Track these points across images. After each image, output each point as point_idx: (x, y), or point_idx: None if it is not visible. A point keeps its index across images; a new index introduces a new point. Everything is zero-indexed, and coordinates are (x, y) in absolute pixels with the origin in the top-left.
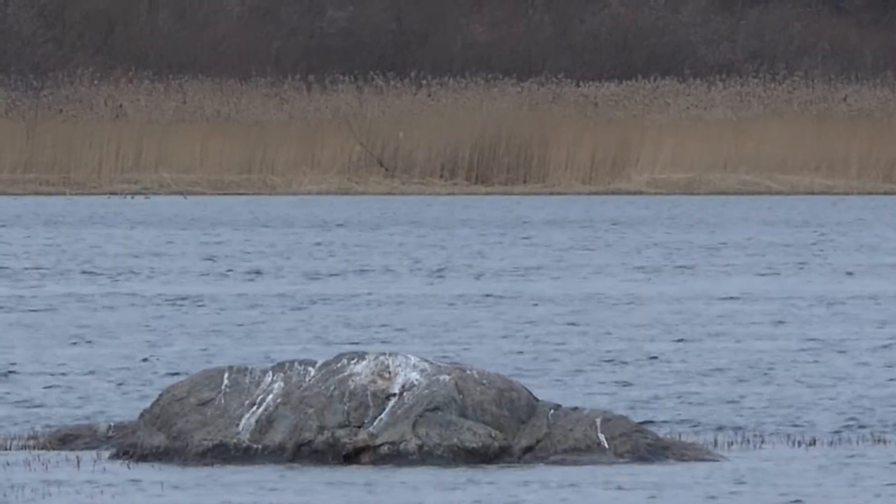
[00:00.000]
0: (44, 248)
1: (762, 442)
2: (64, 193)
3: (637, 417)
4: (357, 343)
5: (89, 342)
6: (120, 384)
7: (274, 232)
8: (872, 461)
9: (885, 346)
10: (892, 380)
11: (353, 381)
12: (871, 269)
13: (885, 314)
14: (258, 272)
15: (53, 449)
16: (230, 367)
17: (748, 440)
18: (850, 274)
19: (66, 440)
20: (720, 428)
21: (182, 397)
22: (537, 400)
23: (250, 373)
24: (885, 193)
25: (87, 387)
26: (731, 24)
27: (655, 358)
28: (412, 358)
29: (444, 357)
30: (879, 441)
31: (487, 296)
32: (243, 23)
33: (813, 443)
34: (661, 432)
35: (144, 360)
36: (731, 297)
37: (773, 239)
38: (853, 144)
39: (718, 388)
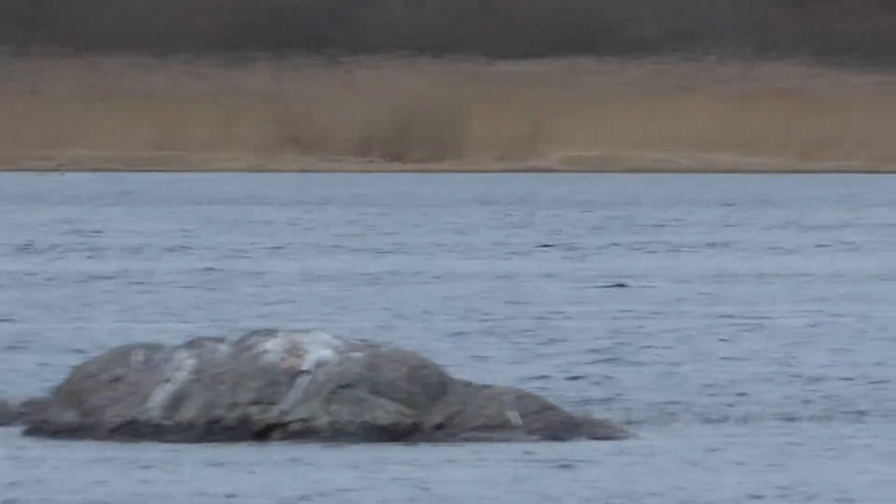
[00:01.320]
0: None
1: (673, 420)
2: None
3: (549, 395)
4: (269, 319)
5: (3, 320)
6: (30, 360)
7: (189, 210)
8: (779, 438)
9: (800, 325)
10: (799, 358)
11: (264, 358)
12: (788, 246)
13: (805, 292)
14: (175, 249)
15: None
16: (142, 345)
17: (659, 418)
18: (767, 251)
19: None
20: (631, 406)
21: (94, 374)
22: (449, 377)
23: (162, 350)
24: (802, 171)
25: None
26: (651, 2)
27: (567, 337)
28: (324, 335)
29: (357, 334)
30: (790, 419)
31: (396, 273)
32: (163, 0)
33: (724, 421)
34: (573, 410)
35: (54, 336)
36: (641, 276)
37: (686, 217)
38: (770, 123)
39: (630, 366)
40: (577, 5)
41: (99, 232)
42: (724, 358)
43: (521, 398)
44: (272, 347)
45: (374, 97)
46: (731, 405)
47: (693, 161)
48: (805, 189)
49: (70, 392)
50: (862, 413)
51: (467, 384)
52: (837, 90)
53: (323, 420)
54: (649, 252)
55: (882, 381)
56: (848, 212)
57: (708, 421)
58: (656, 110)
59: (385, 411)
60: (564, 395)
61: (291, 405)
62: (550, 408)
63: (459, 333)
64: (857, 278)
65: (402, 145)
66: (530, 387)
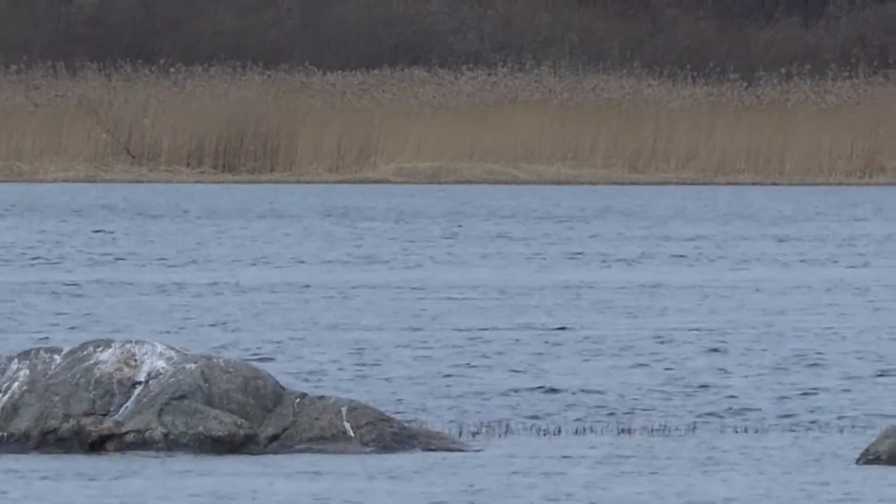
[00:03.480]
0: None
1: (507, 431)
2: None
3: (384, 407)
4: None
5: None
6: None
7: (22, 220)
8: (616, 450)
9: (630, 337)
10: (635, 368)
11: (98, 368)
12: (620, 256)
13: (633, 302)
14: (9, 260)
15: None
16: None
17: (494, 430)
18: (602, 262)
19: None
20: (467, 418)
21: None
22: (283, 388)
23: None
24: (631, 183)
25: None
26: (479, 13)
27: (401, 347)
28: (158, 346)
29: (189, 346)
30: (624, 431)
31: (227, 283)
32: None
33: (558, 432)
34: (408, 422)
35: None
36: (470, 286)
37: (516, 229)
38: (600, 134)
39: (465, 377)
40: (406, 16)
41: None
42: (560, 370)
43: (354, 409)
44: (106, 358)
45: (204, 107)
46: (566, 417)
47: (524, 172)
48: (635, 200)
49: None
50: (694, 424)
51: (302, 395)
52: (667, 101)
53: (157, 431)
54: (479, 265)
55: (704, 388)
56: (680, 223)
57: (543, 433)
58: (487, 122)
59: (219, 422)
60: (399, 406)
61: (125, 416)
62: (384, 419)
63: (291, 344)
64: (693, 288)
65: (233, 156)
66: (365, 398)
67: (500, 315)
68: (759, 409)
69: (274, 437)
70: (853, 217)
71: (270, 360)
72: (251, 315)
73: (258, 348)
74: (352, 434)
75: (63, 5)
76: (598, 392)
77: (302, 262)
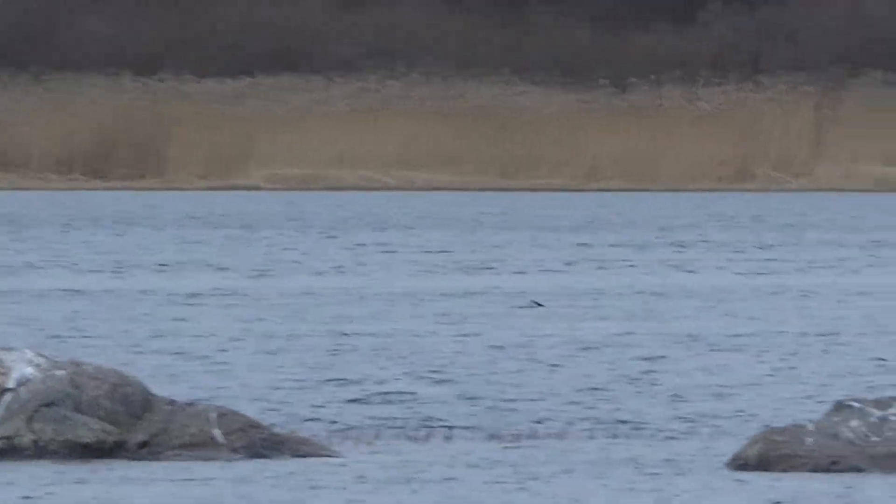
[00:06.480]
0: None
1: (377, 438)
2: None
3: (253, 413)
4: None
5: None
6: None
7: None
8: (486, 456)
9: (496, 346)
10: (494, 377)
11: None
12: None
13: (503, 310)
14: None
15: None
16: None
17: (364, 437)
18: (475, 269)
19: None
20: (336, 423)
21: None
22: (152, 395)
23: None
24: (503, 190)
25: None
26: (353, 20)
27: (271, 354)
28: (28, 353)
29: (57, 352)
30: (493, 437)
31: (84, 291)
32: None
33: (427, 439)
34: (278, 427)
35: None
36: (332, 293)
37: (384, 236)
38: (471, 141)
39: (335, 383)
40: (278, 23)
41: None
42: (431, 377)
43: (224, 416)
44: None
45: (75, 114)
46: (432, 423)
47: (396, 179)
48: (506, 207)
49: None
50: (563, 432)
51: (171, 402)
52: (539, 108)
53: (26, 438)
54: (341, 271)
55: (600, 398)
56: (548, 230)
57: (412, 439)
58: (359, 128)
59: (88, 429)
60: (268, 412)
61: None
62: (254, 425)
63: (158, 352)
64: (565, 296)
65: (104, 163)
66: (233, 404)
67: (378, 320)
68: (632, 416)
69: (143, 444)
70: (727, 225)
71: (138, 366)
72: (108, 321)
73: (126, 355)
74: (222, 440)
75: None
76: (476, 398)
77: (162, 266)
